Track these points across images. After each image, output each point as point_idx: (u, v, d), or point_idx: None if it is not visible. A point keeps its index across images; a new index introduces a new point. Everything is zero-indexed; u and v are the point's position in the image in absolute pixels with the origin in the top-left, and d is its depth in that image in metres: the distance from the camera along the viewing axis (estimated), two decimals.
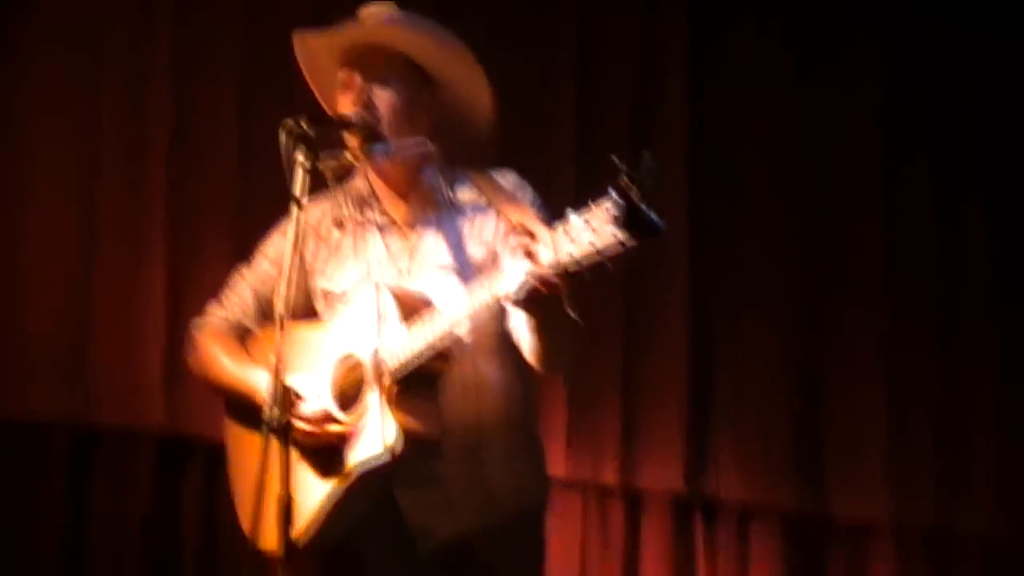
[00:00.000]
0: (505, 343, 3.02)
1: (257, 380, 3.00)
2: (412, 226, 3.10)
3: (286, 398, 2.73)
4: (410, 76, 3.07)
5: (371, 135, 3.02)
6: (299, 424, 2.88)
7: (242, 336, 3.19)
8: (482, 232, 3.06)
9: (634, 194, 2.47)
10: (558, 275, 2.62)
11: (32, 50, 4.34)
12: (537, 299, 2.69)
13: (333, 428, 2.91)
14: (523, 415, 3.08)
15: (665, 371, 4.69)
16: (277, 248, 3.17)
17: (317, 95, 3.21)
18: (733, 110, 4.83)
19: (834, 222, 4.89)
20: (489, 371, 3.02)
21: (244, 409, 3.07)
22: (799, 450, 4.79)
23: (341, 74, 3.08)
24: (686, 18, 4.79)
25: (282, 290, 2.74)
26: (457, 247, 3.04)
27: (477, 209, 3.08)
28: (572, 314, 2.89)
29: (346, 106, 3.05)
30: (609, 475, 4.65)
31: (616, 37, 4.76)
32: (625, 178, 2.48)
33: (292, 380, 2.86)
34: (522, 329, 2.93)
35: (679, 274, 4.73)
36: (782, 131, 4.85)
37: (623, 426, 4.65)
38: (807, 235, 4.87)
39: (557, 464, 4.49)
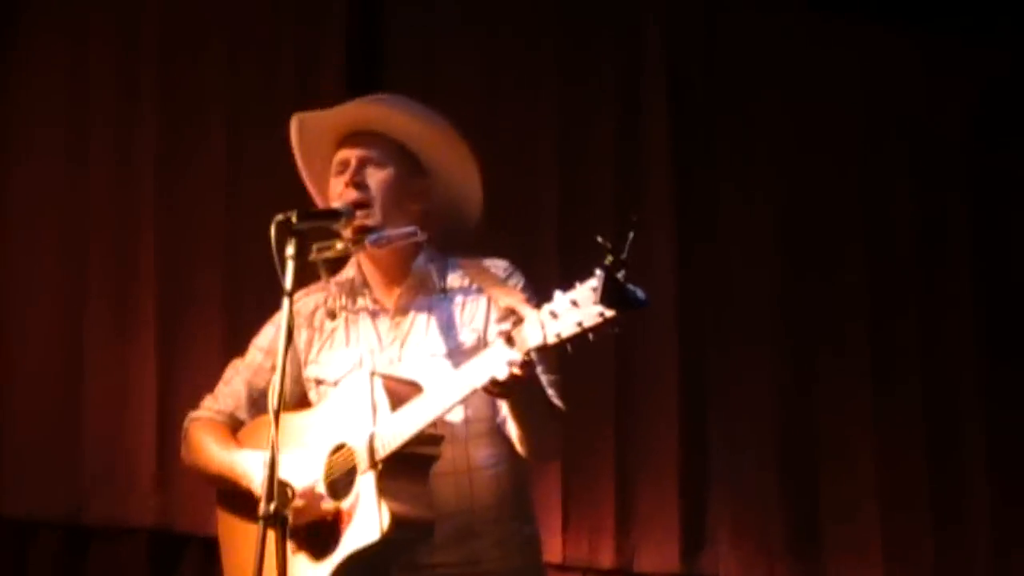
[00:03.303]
0: (497, 428, 3.06)
1: (245, 465, 3.02)
2: (403, 313, 3.13)
3: (281, 491, 2.75)
4: (404, 162, 3.14)
5: (362, 226, 3.06)
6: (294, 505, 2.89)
7: (235, 428, 3.22)
8: (473, 318, 3.10)
9: (620, 274, 2.54)
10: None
11: (20, 104, 4.39)
12: (520, 383, 2.73)
13: (325, 506, 2.94)
14: (516, 499, 3.10)
15: (658, 453, 4.72)
16: (269, 339, 3.22)
17: (308, 184, 3.27)
18: (720, 177, 4.90)
19: (823, 288, 4.96)
20: (481, 456, 3.05)
21: (236, 498, 3.08)
22: (795, 528, 4.81)
23: (338, 155, 3.14)
24: (666, 87, 4.86)
25: (276, 383, 2.76)
26: (448, 333, 3.07)
27: (468, 295, 3.11)
28: (556, 400, 3.01)
29: (338, 189, 3.10)
30: (606, 559, 4.67)
31: (597, 105, 4.85)
32: (610, 257, 2.54)
33: (285, 470, 2.87)
34: (508, 417, 2.97)
35: (669, 354, 4.77)
36: (769, 186, 4.93)
37: (618, 509, 4.68)
38: (797, 311, 4.93)
39: (554, 550, 4.51)
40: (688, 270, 4.80)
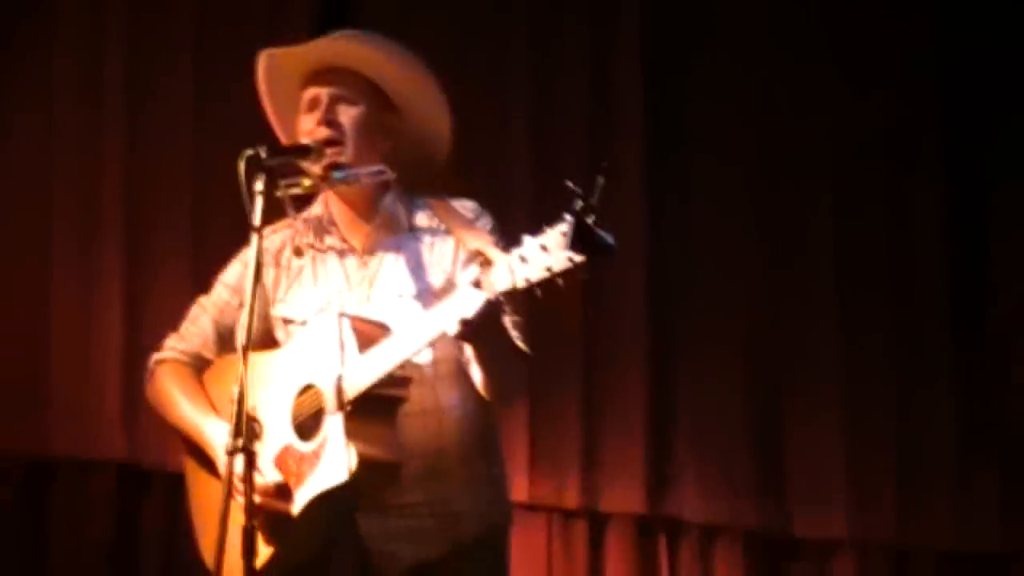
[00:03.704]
0: (464, 370, 3.06)
1: (212, 434, 3.04)
2: (371, 252, 3.13)
3: (249, 427, 2.75)
4: (374, 99, 3.13)
5: (332, 163, 3.06)
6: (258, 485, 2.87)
7: (201, 368, 3.22)
8: (441, 259, 3.10)
9: (590, 219, 2.55)
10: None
11: None
12: (487, 326, 2.75)
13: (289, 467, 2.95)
14: (484, 440, 3.11)
15: (625, 394, 4.73)
16: (236, 276, 3.22)
17: (273, 121, 3.26)
18: (691, 123, 4.90)
19: (792, 239, 4.98)
20: (448, 397, 3.05)
21: (200, 450, 3.11)
22: (761, 469, 4.84)
23: (307, 92, 3.12)
24: (639, 47, 4.85)
25: (244, 320, 2.77)
26: (416, 274, 3.08)
27: (436, 235, 3.12)
28: (520, 343, 3.02)
29: (308, 127, 3.09)
30: (572, 499, 4.69)
31: (569, 61, 4.83)
32: (580, 203, 2.56)
33: (253, 410, 2.90)
34: (472, 359, 2.99)
35: (636, 296, 4.77)
36: (739, 134, 4.92)
37: (584, 450, 4.68)
38: (765, 256, 4.94)
39: (520, 489, 4.51)
40: (658, 216, 4.81)
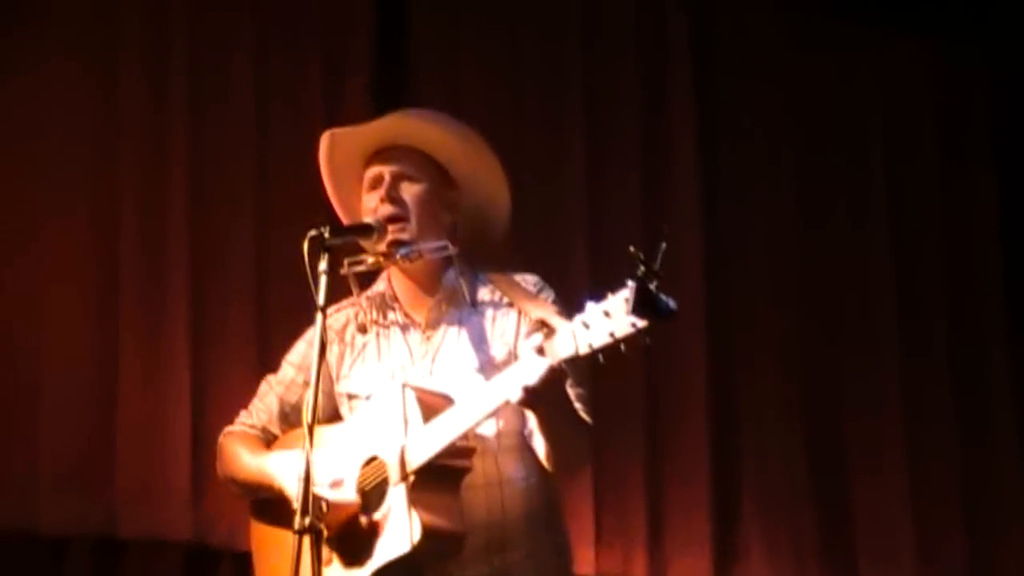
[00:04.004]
0: (527, 442, 3.06)
1: (275, 467, 3.04)
2: (434, 327, 3.14)
3: (315, 505, 2.78)
4: (436, 175, 3.16)
5: (396, 240, 3.08)
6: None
7: (268, 442, 3.23)
8: (503, 332, 3.10)
9: (652, 284, 2.57)
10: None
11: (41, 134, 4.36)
12: (550, 394, 2.75)
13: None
14: (548, 511, 3.10)
15: (689, 462, 4.71)
16: (301, 355, 3.24)
17: (334, 201, 3.28)
18: (744, 183, 4.92)
19: (851, 299, 4.98)
20: (512, 469, 3.04)
21: (269, 509, 3.10)
22: (827, 533, 4.82)
23: (370, 171, 3.16)
24: (692, 90, 4.86)
25: (310, 397, 2.79)
26: (478, 347, 3.07)
27: (498, 309, 3.12)
28: (583, 414, 3.00)
29: (371, 204, 3.12)
30: (639, 569, 4.67)
31: (622, 117, 4.86)
32: (643, 268, 2.56)
33: (318, 483, 2.88)
34: (534, 429, 2.97)
35: (698, 362, 4.76)
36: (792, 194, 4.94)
37: (650, 521, 4.67)
38: (823, 314, 4.95)
39: (586, 561, 4.50)
40: (716, 279, 4.80)
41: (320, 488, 2.88)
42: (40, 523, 4.20)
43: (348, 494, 2.95)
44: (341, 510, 2.94)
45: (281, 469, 3.01)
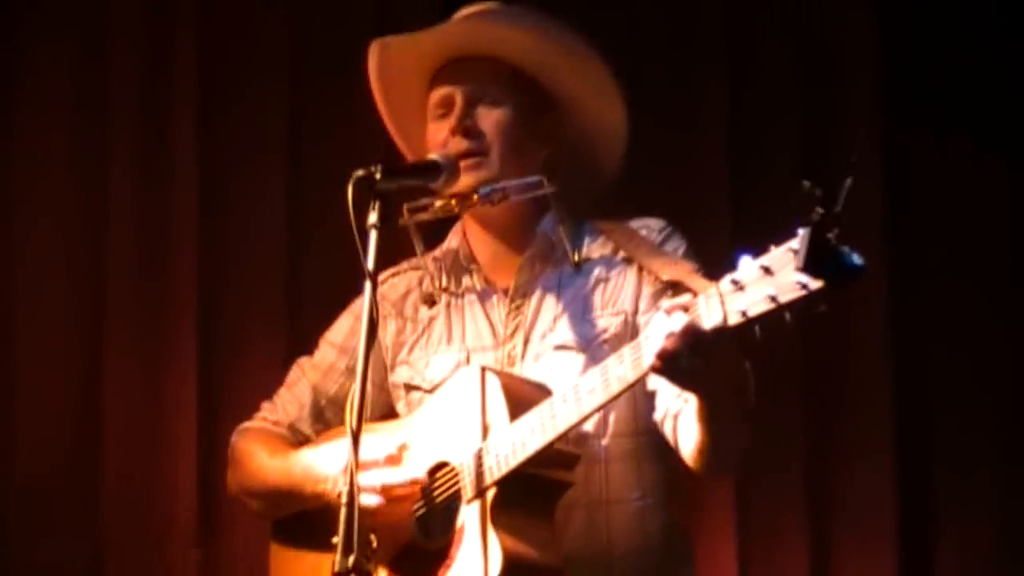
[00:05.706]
0: (647, 444, 2.69)
1: (309, 460, 2.71)
2: (525, 294, 2.78)
3: (362, 540, 2.38)
4: (525, 94, 2.77)
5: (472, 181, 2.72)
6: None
7: (296, 443, 2.89)
8: (617, 298, 2.71)
9: (832, 233, 2.12)
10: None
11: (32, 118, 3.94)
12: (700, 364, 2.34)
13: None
14: (668, 539, 2.74)
15: (866, 483, 4.04)
16: (344, 333, 2.91)
17: (393, 134, 2.92)
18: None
19: None
20: (624, 485, 2.69)
21: (297, 530, 2.82)
22: None
23: (436, 93, 2.79)
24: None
25: (355, 396, 2.40)
26: (583, 319, 2.72)
27: (611, 268, 2.74)
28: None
29: (439, 137, 2.76)
30: None
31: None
32: (820, 210, 2.11)
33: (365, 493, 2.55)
34: (685, 418, 2.54)
35: (877, 349, 4.08)
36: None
37: (812, 556, 4.05)
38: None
39: None
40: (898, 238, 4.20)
41: (367, 496, 2.51)
42: (13, 564, 3.85)
43: (414, 472, 2.62)
44: (395, 531, 2.62)
45: (319, 460, 2.70)
